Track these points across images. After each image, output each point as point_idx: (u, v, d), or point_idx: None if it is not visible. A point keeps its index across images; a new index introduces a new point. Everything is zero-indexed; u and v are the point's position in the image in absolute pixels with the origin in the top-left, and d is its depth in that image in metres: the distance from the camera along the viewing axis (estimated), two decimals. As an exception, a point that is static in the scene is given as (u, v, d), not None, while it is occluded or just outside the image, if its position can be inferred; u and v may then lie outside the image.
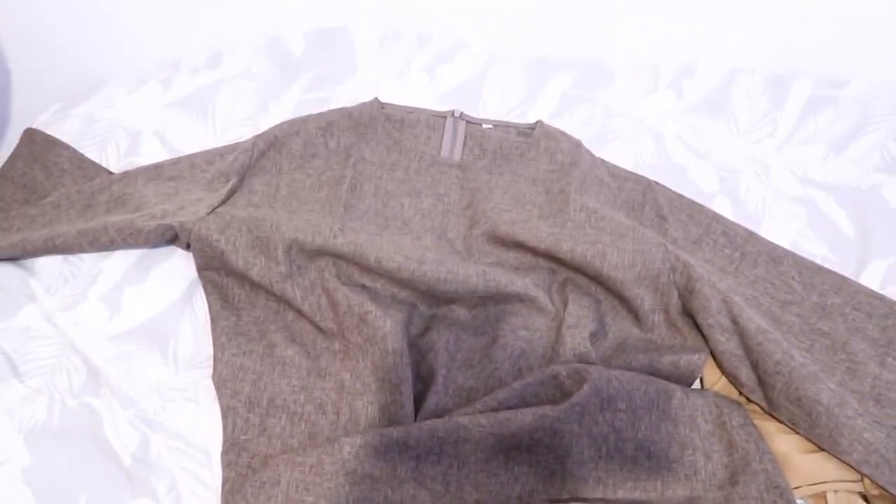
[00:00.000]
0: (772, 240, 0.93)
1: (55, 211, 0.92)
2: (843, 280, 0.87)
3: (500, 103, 1.09)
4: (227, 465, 0.75)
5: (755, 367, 0.78)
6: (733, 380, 0.80)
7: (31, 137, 1.02)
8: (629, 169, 1.02)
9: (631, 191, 0.97)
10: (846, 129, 1.07)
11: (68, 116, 1.05)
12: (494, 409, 0.77)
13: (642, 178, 0.98)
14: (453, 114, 1.01)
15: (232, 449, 0.76)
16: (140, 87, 1.09)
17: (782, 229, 0.96)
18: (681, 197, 0.96)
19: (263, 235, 0.84)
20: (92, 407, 0.78)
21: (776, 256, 0.90)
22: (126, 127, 1.03)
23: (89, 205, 0.92)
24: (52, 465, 0.74)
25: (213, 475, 0.76)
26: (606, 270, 0.84)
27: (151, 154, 1.00)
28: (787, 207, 0.98)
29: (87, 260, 0.88)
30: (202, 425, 0.78)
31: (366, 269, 0.84)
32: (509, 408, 0.78)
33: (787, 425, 0.77)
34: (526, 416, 0.75)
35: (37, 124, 1.05)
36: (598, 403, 0.76)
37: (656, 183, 0.97)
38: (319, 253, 0.84)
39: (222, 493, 0.73)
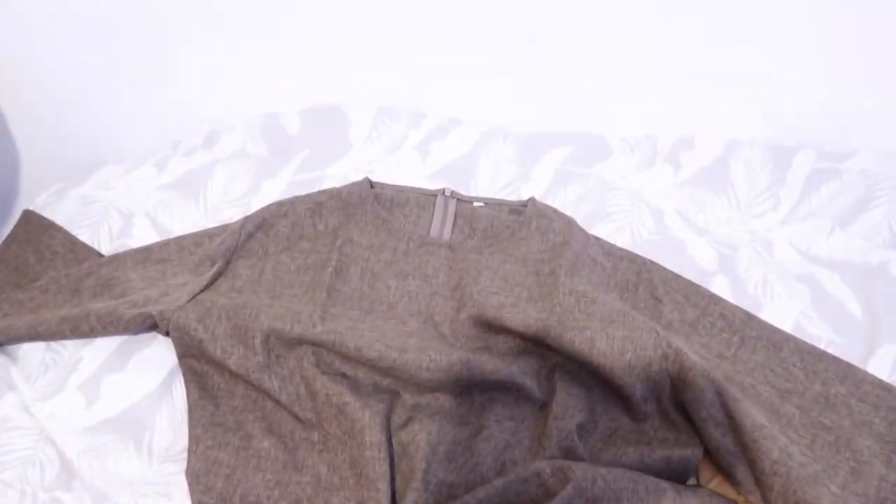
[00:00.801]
0: (773, 321, 0.89)
1: (43, 296, 0.93)
2: (849, 367, 0.83)
3: (492, 180, 1.08)
4: (196, 567, 0.73)
5: (752, 465, 0.73)
6: (729, 478, 0.75)
7: (28, 219, 1.03)
8: (626, 245, 0.99)
9: (625, 270, 0.94)
10: (851, 202, 1.03)
11: (65, 197, 1.06)
12: (474, 512, 0.74)
13: (637, 256, 0.95)
14: (444, 192, 1.00)
15: (202, 549, 0.73)
16: (136, 168, 1.10)
17: (784, 310, 0.92)
18: (677, 277, 0.93)
19: (242, 324, 0.82)
20: (62, 502, 0.76)
21: (777, 341, 0.86)
22: (119, 209, 1.04)
23: (77, 289, 0.92)
24: (18, 565, 0.72)
25: (183, 578, 0.74)
26: (595, 358, 0.81)
27: (143, 236, 1.01)
28: (790, 286, 0.95)
29: (70, 347, 0.87)
30: (174, 523, 0.76)
31: (346, 357, 0.82)
32: (490, 509, 0.74)
33: (787, 531, 0.71)
34: (507, 524, 0.71)
35: (35, 206, 1.06)
36: (582, 505, 0.72)
37: (652, 262, 0.94)
38: (299, 341, 0.83)
39: None
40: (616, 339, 0.81)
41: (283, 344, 0.83)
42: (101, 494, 0.76)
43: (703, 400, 0.76)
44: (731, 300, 0.92)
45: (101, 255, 0.98)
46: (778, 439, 0.73)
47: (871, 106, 1.12)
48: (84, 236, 1.01)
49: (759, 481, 0.73)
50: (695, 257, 0.99)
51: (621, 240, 1.00)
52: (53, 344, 0.88)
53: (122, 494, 0.77)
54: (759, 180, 1.07)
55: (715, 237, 1.01)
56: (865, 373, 0.82)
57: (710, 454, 0.77)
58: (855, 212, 1.02)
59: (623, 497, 0.72)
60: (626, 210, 1.05)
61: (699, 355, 0.84)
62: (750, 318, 0.88)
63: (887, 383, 0.81)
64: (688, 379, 0.77)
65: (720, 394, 0.76)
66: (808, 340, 0.87)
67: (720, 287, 0.95)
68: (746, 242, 1.00)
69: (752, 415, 0.75)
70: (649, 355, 0.81)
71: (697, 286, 0.92)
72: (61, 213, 1.04)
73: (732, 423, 0.75)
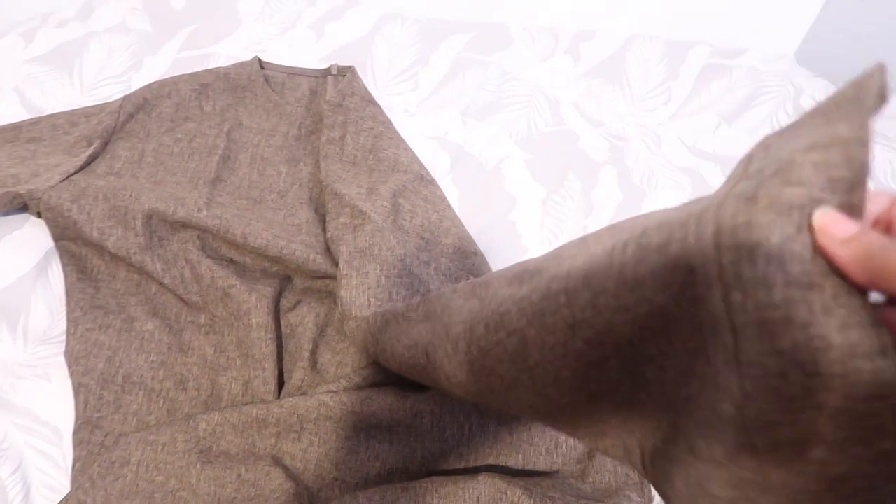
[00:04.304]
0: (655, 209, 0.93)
1: None
2: None
3: (390, 65, 1.05)
4: (78, 443, 0.72)
5: None
6: None
7: None
8: (522, 137, 1.00)
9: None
10: (739, 99, 1.07)
11: (-77, 68, 0.97)
12: (358, 387, 0.76)
13: None
14: (331, 71, 0.97)
15: (84, 427, 0.73)
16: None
17: (666, 200, 0.96)
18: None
19: (121, 204, 0.79)
20: (-67, 388, 0.73)
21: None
22: (-16, 82, 0.96)
23: (-63, 168, 0.86)
24: None
25: (65, 455, 0.73)
26: None
27: (10, 113, 0.93)
28: (674, 178, 0.98)
29: (-67, 226, 0.82)
30: (54, 403, 0.75)
31: (232, 244, 0.81)
32: (374, 385, 0.77)
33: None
34: (388, 396, 0.74)
35: None
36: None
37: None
38: (183, 225, 0.80)
39: (72, 473, 0.70)
40: None
41: (166, 226, 0.80)
42: (-28, 378, 0.74)
43: None
44: (618, 190, 0.95)
45: (-37, 134, 0.91)
46: None
47: (762, 5, 1.14)
48: (-56, 113, 0.93)
49: None
50: (586, 149, 1.01)
51: (518, 130, 1.01)
52: (-86, 224, 0.82)
53: (-3, 377, 0.75)
54: (654, 75, 1.09)
55: (608, 129, 1.03)
56: None
57: None
58: (741, 108, 1.06)
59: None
60: (524, 100, 1.05)
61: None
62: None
63: None
64: None
65: None
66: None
67: (608, 177, 0.97)
68: (637, 135, 1.03)
69: None
70: None
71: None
72: (-83, 87, 0.95)
73: None
